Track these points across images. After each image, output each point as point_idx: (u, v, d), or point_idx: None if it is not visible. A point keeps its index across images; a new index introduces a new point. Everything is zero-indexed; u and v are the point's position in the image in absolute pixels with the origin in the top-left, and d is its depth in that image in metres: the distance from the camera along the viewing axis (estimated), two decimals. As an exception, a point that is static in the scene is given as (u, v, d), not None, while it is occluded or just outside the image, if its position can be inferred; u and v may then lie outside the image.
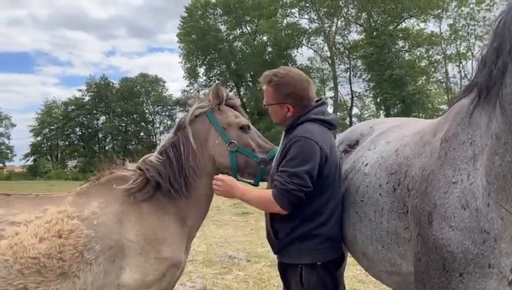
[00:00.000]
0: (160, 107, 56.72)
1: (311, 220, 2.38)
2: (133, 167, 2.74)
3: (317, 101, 2.58)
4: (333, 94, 41.70)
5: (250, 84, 46.26)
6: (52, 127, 56.67)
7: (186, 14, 44.82)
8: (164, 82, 57.49)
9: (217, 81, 2.71)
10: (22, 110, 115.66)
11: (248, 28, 46.04)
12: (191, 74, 46.94)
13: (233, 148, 2.65)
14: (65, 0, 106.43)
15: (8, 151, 59.72)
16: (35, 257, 2.30)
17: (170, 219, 2.58)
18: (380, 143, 2.52)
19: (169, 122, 55.35)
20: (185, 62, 46.97)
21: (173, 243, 2.55)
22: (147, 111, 56.98)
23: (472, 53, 39.68)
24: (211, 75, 46.75)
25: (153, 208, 2.55)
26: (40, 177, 45.92)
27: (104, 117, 56.69)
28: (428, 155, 1.96)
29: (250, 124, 2.78)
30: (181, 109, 49.68)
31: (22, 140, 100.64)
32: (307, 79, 2.55)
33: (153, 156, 2.68)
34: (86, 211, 2.46)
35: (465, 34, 38.98)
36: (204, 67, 46.96)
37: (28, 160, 56.38)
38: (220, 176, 2.50)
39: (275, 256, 2.66)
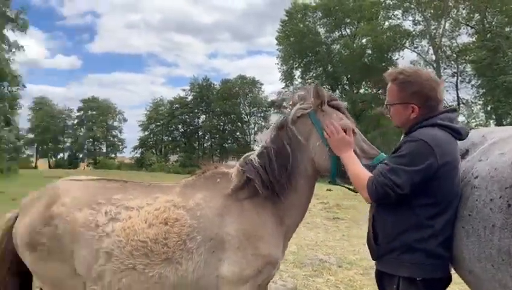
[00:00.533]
0: (255, 108, 58.20)
1: (416, 231, 2.25)
2: (234, 165, 2.78)
3: (445, 107, 2.41)
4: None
5: (347, 87, 45.35)
6: (158, 123, 61.44)
7: (286, 18, 45.38)
8: (261, 84, 58.96)
9: (312, 83, 2.64)
10: (133, 107, 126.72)
11: (347, 30, 45.17)
12: (287, 77, 47.31)
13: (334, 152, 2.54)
14: (175, 5, 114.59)
15: (120, 143, 66.72)
16: (144, 240, 2.48)
17: (269, 217, 2.59)
18: (493, 154, 2.32)
19: (263, 123, 56.61)
20: (281, 64, 47.51)
21: (271, 241, 2.57)
22: (243, 112, 58.79)
23: None
24: (306, 78, 46.58)
25: (253, 206, 2.58)
26: (145, 169, 49.81)
27: (204, 116, 59.77)
28: None
29: (355, 128, 2.62)
30: (275, 110, 50.42)
31: (132, 134, 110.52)
32: (436, 79, 2.37)
33: (254, 155, 2.69)
34: (191, 202, 2.59)
35: None
36: (300, 69, 47.07)
37: (136, 152, 61.95)
38: (340, 127, 2.49)
39: (368, 264, 2.61)
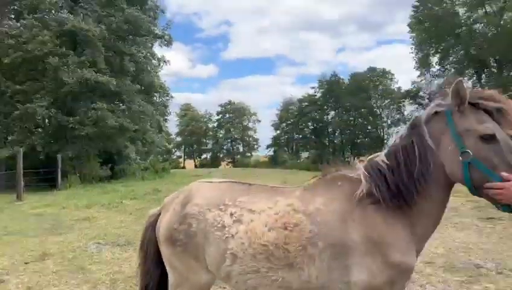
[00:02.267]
0: (388, 100, 55.54)
1: None
2: (360, 167, 2.60)
3: None
4: None
5: (494, 70, 40.28)
6: (289, 122, 63.25)
7: (417, 3, 42.31)
8: (392, 74, 56.04)
9: (455, 77, 2.26)
10: (265, 107, 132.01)
11: (493, 6, 40.08)
12: (423, 64, 43.99)
13: (466, 159, 2.20)
14: (302, 4, 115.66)
15: (255, 143, 70.75)
16: (265, 244, 2.47)
17: (397, 224, 2.37)
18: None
19: (397, 116, 53.70)
20: (416, 52, 44.45)
21: (402, 248, 2.35)
22: (374, 105, 56.63)
23: None
24: (445, 64, 42.81)
25: (379, 212, 2.39)
26: (279, 166, 51.51)
27: (334, 112, 59.22)
28: None
29: (502, 134, 2.19)
30: (411, 101, 47.36)
31: (265, 133, 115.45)
32: None
33: (380, 158, 2.51)
34: (311, 207, 2.49)
35: None
36: (438, 55, 43.32)
37: (269, 150, 64.78)
38: (500, 183, 2.11)
39: None
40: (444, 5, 41.13)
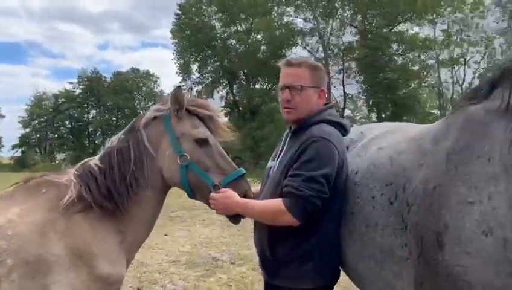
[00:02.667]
0: (152, 102, 56.26)
1: (317, 234, 2.13)
2: (70, 171, 2.37)
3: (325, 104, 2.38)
4: (326, 95, 41.50)
5: (244, 82, 45.95)
6: (42, 119, 56.24)
7: (179, 12, 44.38)
8: (157, 78, 57.22)
9: (177, 85, 2.40)
10: (12, 101, 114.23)
11: (243, 26, 45.71)
12: (184, 70, 46.38)
13: (184, 162, 2.28)
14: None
15: (-4, 142, 58.99)
16: None
17: (107, 233, 2.24)
18: (371, 149, 2.29)
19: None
20: (178, 58, 46.50)
21: (110, 259, 2.20)
22: (138, 106, 56.55)
23: (465, 59, 39.94)
24: (204, 72, 46.31)
25: (87, 220, 2.20)
26: (28, 169, 45.24)
27: (95, 111, 56.16)
28: (432, 166, 1.75)
29: (213, 139, 2.39)
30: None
31: (10, 131, 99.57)
32: None
33: (94, 161, 2.36)
34: (2, 219, 2.13)
35: (459, 40, 39.20)
36: (197, 63, 46.48)
37: (16, 151, 55.73)
38: (214, 194, 2.23)
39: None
40: (202, 17, 44.40)
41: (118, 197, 2.24)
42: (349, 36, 42.47)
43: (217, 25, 45.66)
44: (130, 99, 54.60)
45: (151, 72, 57.01)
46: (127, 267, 2.39)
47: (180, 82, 47.15)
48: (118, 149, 2.33)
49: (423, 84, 40.87)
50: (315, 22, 41.34)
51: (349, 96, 43.87)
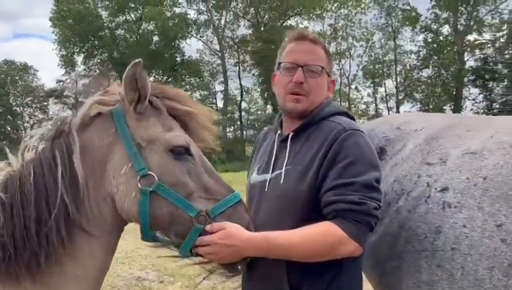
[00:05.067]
0: (30, 98, 50.65)
1: (350, 267, 1.58)
2: None
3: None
4: (223, 88, 41.50)
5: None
6: None
7: (60, -3, 40.33)
8: (36, 70, 51.52)
9: (135, 61, 1.47)
10: None
11: (132, 15, 43.20)
12: (68, 62, 42.45)
13: (148, 186, 1.46)
14: None
15: None
16: None
17: None
18: (453, 154, 1.71)
19: (41, 116, 49.79)
20: (60, 49, 42.30)
21: None
22: (13, 103, 50.53)
23: (350, 53, 42.92)
24: (90, 64, 42.90)
25: None
26: None
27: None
28: None
29: (195, 147, 1.60)
30: (56, 100, 44.74)
31: None
32: None
33: None
34: None
35: (344, 35, 41.96)
36: (82, 55, 42.83)
37: None
38: (210, 236, 1.46)
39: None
40: (87, 4, 41.00)
41: (32, 251, 1.35)
42: (244, 29, 42.80)
43: (104, 14, 42.55)
44: (3, 95, 48.34)
45: (28, 65, 51.08)
46: None
47: (62, 75, 43.14)
48: (34, 167, 1.42)
49: (313, 76, 42.91)
50: (209, 14, 40.79)
51: (245, 89, 44.27)
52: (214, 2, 40.44)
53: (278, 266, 1.56)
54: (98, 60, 43.10)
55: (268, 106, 42.14)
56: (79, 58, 43.16)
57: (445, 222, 1.59)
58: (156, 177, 1.46)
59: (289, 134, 1.72)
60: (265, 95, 40.97)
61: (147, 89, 1.51)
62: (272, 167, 1.73)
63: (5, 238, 1.34)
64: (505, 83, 36.33)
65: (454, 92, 39.46)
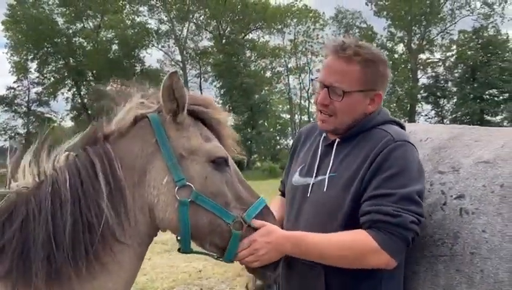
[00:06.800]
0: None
1: (388, 283, 1.55)
2: None
3: None
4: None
5: (93, 83, 42.34)
6: None
7: (13, 1, 38.64)
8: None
9: (171, 71, 1.46)
10: None
11: (90, 23, 42.11)
12: (20, 69, 40.68)
13: (187, 196, 1.44)
14: None
15: None
16: None
17: None
18: (465, 163, 1.72)
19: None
20: (11, 55, 40.51)
21: None
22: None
23: (309, 68, 43.93)
24: (44, 72, 41.32)
25: None
26: None
27: None
28: None
29: (230, 157, 1.60)
30: (6, 108, 42.44)
31: None
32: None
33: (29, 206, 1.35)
34: None
35: (304, 50, 42.97)
36: (36, 61, 41.18)
37: None
38: (254, 235, 1.48)
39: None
40: (41, 10, 39.59)
41: (71, 262, 1.30)
42: (206, 41, 42.83)
43: (60, 20, 41.21)
44: None
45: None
46: None
47: (14, 82, 41.17)
48: (69, 179, 1.35)
49: (274, 90, 43.58)
50: (170, 24, 40.52)
51: (207, 100, 44.21)
52: (175, 12, 40.21)
53: (317, 275, 1.56)
54: (53, 68, 41.56)
55: (230, 118, 42.27)
56: (33, 65, 41.51)
57: (464, 228, 1.60)
58: (193, 188, 1.45)
59: (335, 140, 1.68)
60: (227, 107, 41.02)
61: (185, 99, 1.47)
62: (315, 171, 1.69)
63: (56, 244, 1.29)
64: (455, 100, 38.51)
65: (408, 108, 41.24)
